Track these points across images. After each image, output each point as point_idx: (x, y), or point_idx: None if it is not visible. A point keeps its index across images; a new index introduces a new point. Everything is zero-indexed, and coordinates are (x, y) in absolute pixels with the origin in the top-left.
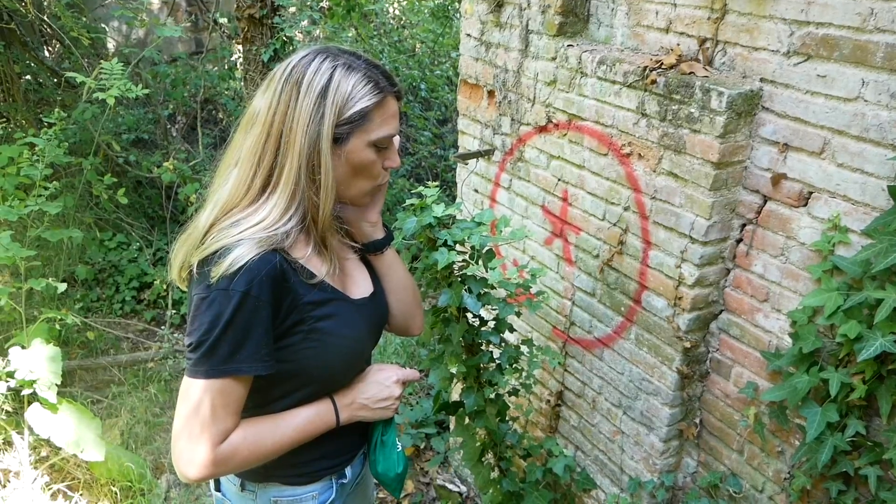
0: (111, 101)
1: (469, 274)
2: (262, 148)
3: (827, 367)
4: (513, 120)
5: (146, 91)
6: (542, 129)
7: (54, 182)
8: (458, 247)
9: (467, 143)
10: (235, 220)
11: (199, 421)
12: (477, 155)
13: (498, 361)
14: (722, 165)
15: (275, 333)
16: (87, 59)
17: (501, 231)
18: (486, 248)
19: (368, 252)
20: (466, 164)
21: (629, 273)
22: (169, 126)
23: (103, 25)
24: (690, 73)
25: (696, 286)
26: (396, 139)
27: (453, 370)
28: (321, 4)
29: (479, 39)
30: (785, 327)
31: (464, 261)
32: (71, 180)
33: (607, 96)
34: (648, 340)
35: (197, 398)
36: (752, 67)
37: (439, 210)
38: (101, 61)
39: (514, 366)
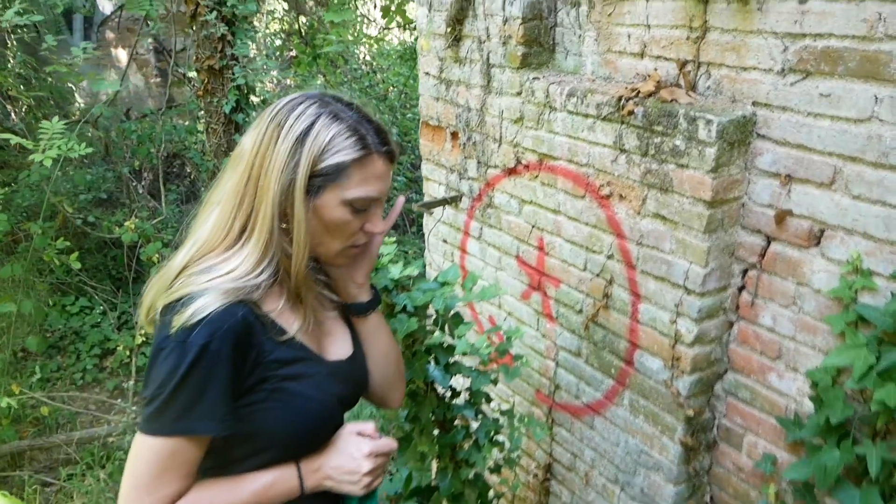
0: (48, 163)
1: (435, 343)
2: (243, 189)
3: (862, 440)
4: (479, 163)
5: (89, 150)
6: (511, 172)
7: None
8: (428, 309)
9: (432, 189)
10: (207, 266)
11: (146, 482)
12: (443, 203)
13: (475, 437)
14: (716, 204)
15: (236, 391)
16: (47, 118)
17: (470, 290)
18: (453, 312)
19: (351, 314)
20: (431, 213)
21: (617, 330)
22: (134, 183)
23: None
24: (672, 100)
25: (695, 344)
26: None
27: (425, 450)
28: (288, 54)
29: (438, 77)
30: (804, 389)
31: (428, 328)
32: (27, 245)
33: (580, 132)
34: (644, 407)
35: (146, 457)
36: (743, 90)
37: (396, 271)
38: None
39: (493, 440)
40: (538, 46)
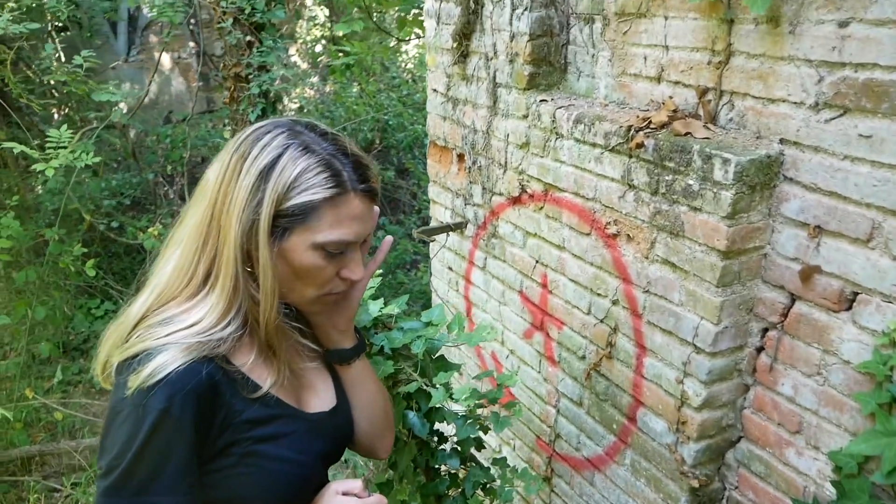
0: (50, 172)
1: (412, 389)
2: (206, 228)
3: None
4: (484, 189)
5: (96, 159)
6: (515, 201)
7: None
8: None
9: (438, 213)
10: (168, 318)
11: None
12: (446, 230)
13: (462, 487)
14: (732, 254)
15: (202, 457)
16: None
17: (454, 331)
18: (438, 355)
19: (333, 361)
20: (433, 240)
21: (620, 383)
22: (165, 188)
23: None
24: (686, 133)
25: (703, 409)
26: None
27: (405, 498)
28: (323, 61)
29: (445, 95)
30: (825, 471)
31: (407, 374)
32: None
33: (587, 162)
34: (647, 470)
35: None
36: (770, 125)
37: (375, 308)
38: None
39: (486, 488)
40: (547, 66)
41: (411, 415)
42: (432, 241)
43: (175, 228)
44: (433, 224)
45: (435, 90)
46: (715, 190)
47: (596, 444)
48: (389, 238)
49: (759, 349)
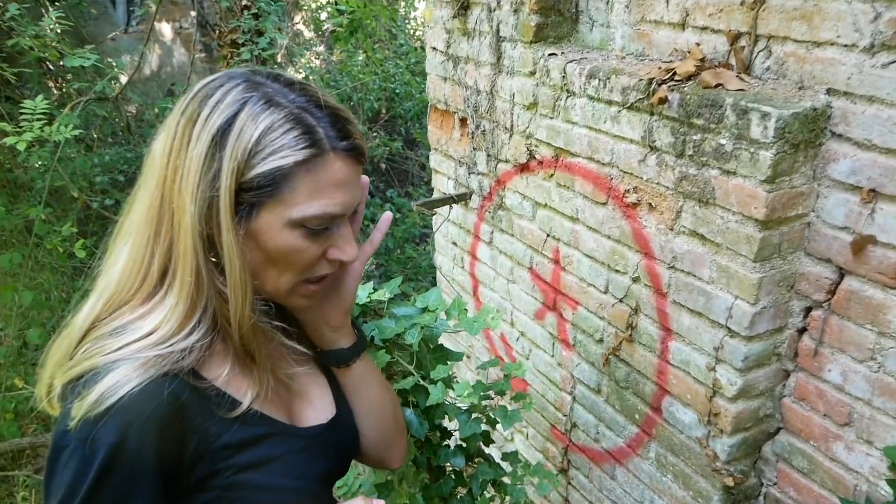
0: (22, 146)
1: (408, 385)
2: (157, 214)
3: None
4: (489, 155)
5: (75, 132)
6: (523, 168)
7: None
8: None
9: (441, 183)
10: (119, 326)
11: None
12: (448, 201)
13: (469, 486)
14: (772, 224)
15: (173, 496)
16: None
17: (454, 318)
18: (436, 345)
19: (329, 364)
20: (434, 213)
21: (643, 369)
22: None
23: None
24: (717, 85)
25: (738, 399)
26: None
27: (406, 502)
28: (326, 27)
29: (445, 53)
30: (880, 468)
31: (401, 366)
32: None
33: (602, 123)
34: (674, 465)
35: None
36: (814, 73)
37: (363, 294)
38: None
39: (497, 483)
40: (556, 15)
41: (408, 412)
42: (434, 214)
43: (123, 217)
44: (435, 195)
45: (434, 48)
46: (752, 150)
47: (616, 434)
48: (388, 214)
49: (802, 330)
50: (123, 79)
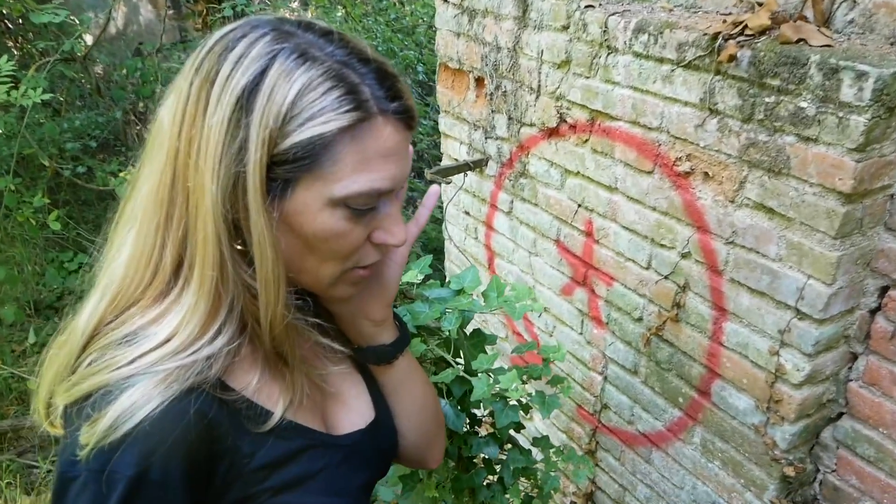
0: None
1: (448, 378)
2: (168, 197)
3: None
4: (510, 119)
5: (46, 96)
6: (552, 133)
7: None
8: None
9: (452, 149)
10: (130, 334)
11: None
12: (463, 169)
13: (500, 475)
14: (856, 197)
15: None
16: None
17: (492, 298)
18: (473, 330)
19: (368, 362)
20: (449, 182)
21: (690, 351)
22: (139, 127)
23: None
24: (799, 40)
25: (805, 385)
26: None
27: (434, 494)
28: None
29: (458, 6)
30: None
31: (436, 352)
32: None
33: (651, 83)
34: (723, 452)
35: None
36: None
37: None
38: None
39: (524, 471)
40: None
41: (443, 404)
42: (448, 182)
43: (125, 200)
44: (445, 162)
45: (446, 0)
46: (841, 114)
47: (655, 418)
48: (435, 188)
49: (874, 310)
50: (88, 38)
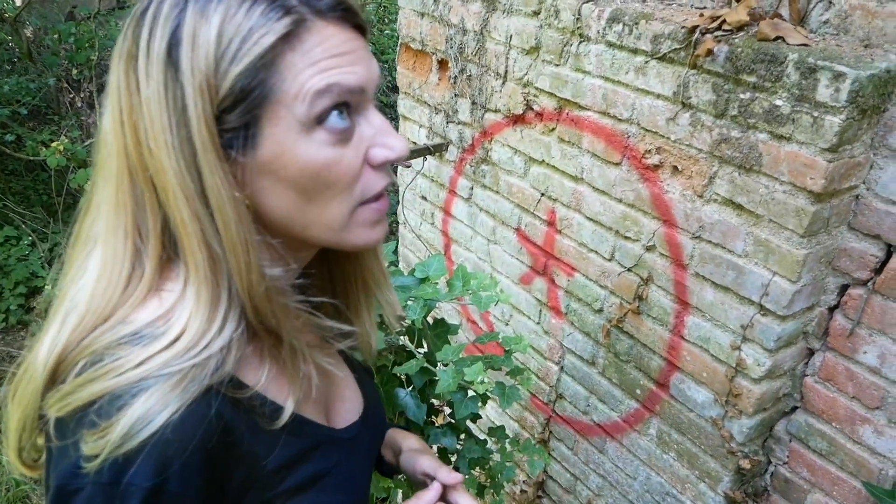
0: None
1: (411, 369)
2: (130, 198)
3: None
4: (474, 104)
5: None
6: (517, 120)
7: None
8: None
9: (411, 132)
10: (131, 334)
11: None
12: (423, 153)
13: (455, 464)
14: (825, 196)
15: None
16: None
17: (457, 287)
18: (436, 319)
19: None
20: (409, 166)
21: (650, 343)
22: (72, 95)
23: None
24: (776, 38)
25: (764, 380)
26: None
27: (390, 484)
28: None
29: None
30: None
31: (399, 345)
32: None
33: (623, 74)
34: (678, 444)
35: None
36: (886, 30)
37: None
38: None
39: (479, 462)
40: None
41: (403, 394)
42: (407, 166)
43: (78, 223)
44: None
45: None
46: (816, 114)
47: (611, 409)
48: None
49: (833, 308)
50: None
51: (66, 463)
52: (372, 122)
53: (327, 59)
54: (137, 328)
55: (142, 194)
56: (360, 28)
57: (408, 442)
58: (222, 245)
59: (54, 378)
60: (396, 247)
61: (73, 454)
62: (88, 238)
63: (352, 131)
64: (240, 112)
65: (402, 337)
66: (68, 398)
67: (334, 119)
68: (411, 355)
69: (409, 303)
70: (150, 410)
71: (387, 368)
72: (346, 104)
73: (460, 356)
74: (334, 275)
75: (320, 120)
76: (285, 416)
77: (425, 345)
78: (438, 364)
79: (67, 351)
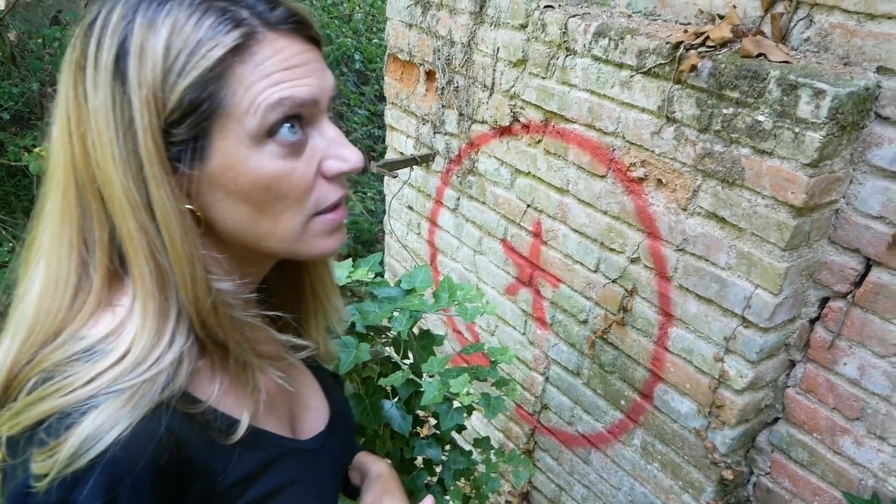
0: None
1: (396, 381)
2: (76, 210)
3: None
4: (461, 115)
5: None
6: (504, 132)
7: None
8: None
9: (398, 142)
10: (82, 350)
11: None
12: (410, 163)
13: (441, 476)
14: (806, 211)
15: None
16: None
17: (443, 299)
18: (422, 331)
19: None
20: (395, 176)
21: (635, 354)
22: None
23: None
24: (759, 55)
25: (747, 391)
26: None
27: None
28: None
29: None
30: (891, 465)
31: (385, 355)
32: None
33: (609, 87)
34: (662, 455)
35: None
36: (864, 48)
37: (342, 272)
38: None
39: (464, 473)
40: None
41: (388, 405)
42: (394, 176)
43: (29, 238)
44: (390, 155)
45: None
46: (797, 129)
47: (595, 419)
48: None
49: (814, 320)
50: (1, 2)
51: (15, 483)
52: (325, 133)
53: (279, 71)
54: (90, 344)
55: (89, 205)
56: (313, 40)
57: (375, 467)
58: (168, 258)
59: (6, 395)
60: (383, 258)
61: (22, 474)
62: (37, 252)
63: (304, 144)
64: (188, 125)
65: (387, 348)
66: (19, 416)
67: (285, 132)
68: (397, 366)
69: (395, 314)
70: (100, 428)
71: (372, 380)
72: (299, 116)
73: (446, 367)
74: (289, 284)
75: (271, 133)
76: (241, 430)
77: (411, 356)
78: (424, 375)
79: (17, 367)
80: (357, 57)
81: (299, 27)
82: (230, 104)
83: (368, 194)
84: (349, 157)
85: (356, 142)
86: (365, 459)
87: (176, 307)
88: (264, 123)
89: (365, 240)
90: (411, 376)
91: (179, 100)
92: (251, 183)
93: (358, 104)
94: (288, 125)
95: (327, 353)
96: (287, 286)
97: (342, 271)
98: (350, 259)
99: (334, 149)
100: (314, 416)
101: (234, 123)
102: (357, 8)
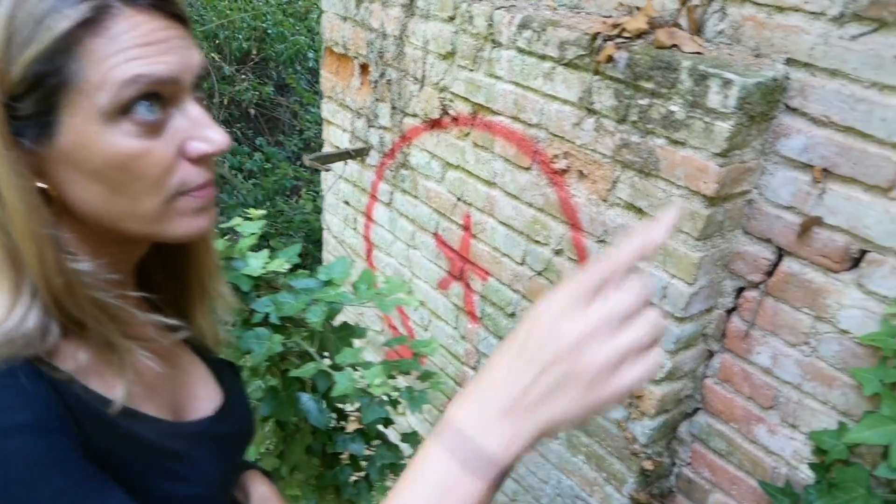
0: None
1: (309, 373)
2: None
3: None
4: (393, 108)
5: None
6: (434, 125)
7: None
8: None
9: (335, 136)
10: None
11: None
12: (344, 156)
13: (366, 472)
14: (718, 200)
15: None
16: None
17: (362, 290)
18: (339, 323)
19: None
20: (328, 170)
21: None
22: None
23: None
24: (672, 45)
25: (665, 381)
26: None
27: (297, 493)
28: None
29: None
30: (803, 452)
31: (301, 345)
32: None
33: (532, 79)
34: (586, 447)
35: None
36: (773, 40)
37: (257, 263)
38: None
39: (393, 467)
40: None
41: (305, 398)
42: (327, 170)
43: None
44: (327, 149)
45: None
46: (707, 119)
47: None
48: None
49: (731, 310)
50: None
51: None
52: (189, 114)
53: (135, 47)
54: None
55: None
56: (178, 18)
57: (259, 490)
58: (14, 236)
59: None
60: (300, 249)
61: None
62: None
63: (163, 123)
64: (34, 100)
65: (301, 340)
66: None
67: (142, 110)
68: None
69: (312, 306)
70: None
71: (287, 376)
72: (157, 95)
73: (372, 360)
74: (168, 269)
75: (125, 111)
76: (114, 409)
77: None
78: (346, 368)
79: None
80: (311, 55)
81: (161, 3)
82: (80, 79)
83: (320, 193)
84: (214, 138)
85: (310, 141)
86: (249, 480)
87: (31, 285)
88: (117, 100)
89: (316, 239)
90: (324, 367)
91: (24, 73)
92: (104, 162)
93: (312, 102)
94: (147, 103)
95: (216, 340)
96: (167, 271)
97: (257, 262)
98: (266, 251)
99: (198, 129)
100: (201, 405)
101: (85, 99)
102: (314, 5)
